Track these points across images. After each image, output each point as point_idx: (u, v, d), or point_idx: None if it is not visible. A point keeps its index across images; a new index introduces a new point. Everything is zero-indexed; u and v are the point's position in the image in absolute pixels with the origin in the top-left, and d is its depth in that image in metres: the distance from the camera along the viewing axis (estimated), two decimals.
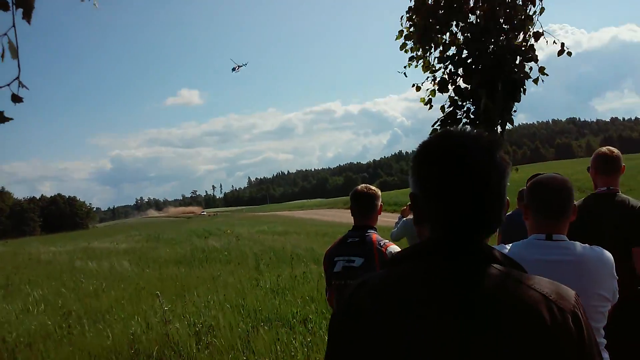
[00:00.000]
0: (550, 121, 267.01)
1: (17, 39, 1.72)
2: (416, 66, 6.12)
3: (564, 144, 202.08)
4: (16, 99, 1.81)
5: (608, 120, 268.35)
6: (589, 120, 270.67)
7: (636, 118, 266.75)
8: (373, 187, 3.50)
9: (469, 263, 1.11)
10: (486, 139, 1.15)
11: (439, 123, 5.73)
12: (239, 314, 8.11)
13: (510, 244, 2.23)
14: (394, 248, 3.29)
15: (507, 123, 5.43)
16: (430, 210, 1.17)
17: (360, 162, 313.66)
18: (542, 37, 5.30)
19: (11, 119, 1.85)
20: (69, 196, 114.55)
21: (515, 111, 5.46)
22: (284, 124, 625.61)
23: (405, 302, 1.09)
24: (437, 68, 5.83)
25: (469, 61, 5.34)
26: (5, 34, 1.71)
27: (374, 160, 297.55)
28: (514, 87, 5.11)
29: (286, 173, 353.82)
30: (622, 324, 2.47)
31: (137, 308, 9.29)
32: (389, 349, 1.07)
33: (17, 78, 1.76)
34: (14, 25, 1.72)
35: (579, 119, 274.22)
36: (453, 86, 5.64)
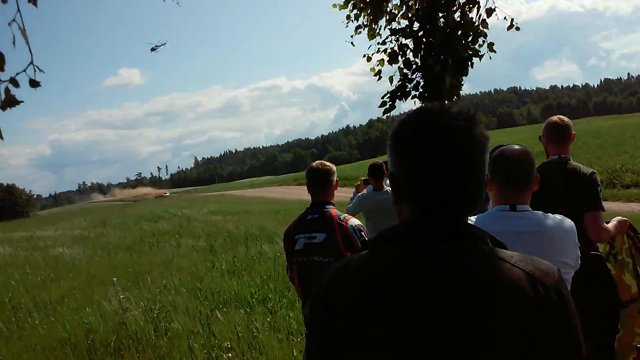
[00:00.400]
0: (493, 91, 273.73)
1: (23, 24, 1.68)
2: (360, 32, 6.12)
3: (505, 113, 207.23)
4: (34, 83, 1.76)
5: (547, 88, 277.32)
6: (529, 89, 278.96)
7: (574, 85, 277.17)
8: (328, 163, 3.51)
9: (453, 245, 1.09)
10: (465, 115, 1.12)
11: (388, 95, 5.75)
12: (196, 297, 8.03)
13: (475, 216, 2.25)
14: (354, 221, 3.32)
15: (455, 97, 5.51)
16: (411, 190, 1.14)
17: (308, 138, 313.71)
18: (494, 12, 5.37)
19: (22, 101, 1.79)
20: (7, 184, 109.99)
21: (462, 84, 5.55)
22: (230, 102, 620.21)
23: (390, 287, 1.07)
24: (384, 38, 5.84)
25: (420, 34, 5.36)
26: (14, 20, 1.66)
27: (322, 136, 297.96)
28: (463, 63, 5.17)
29: (234, 152, 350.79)
30: (577, 288, 2.55)
31: (89, 298, 9.07)
32: (375, 335, 1.05)
33: (32, 62, 1.72)
34: (19, 10, 1.68)
35: (520, 88, 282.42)
36: (403, 58, 5.66)
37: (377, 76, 5.85)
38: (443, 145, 1.09)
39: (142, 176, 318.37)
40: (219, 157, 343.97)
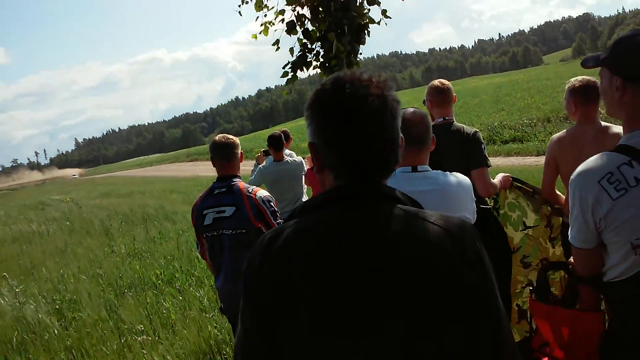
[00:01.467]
0: (376, 56, 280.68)
1: None
2: (247, 3, 6.07)
3: (389, 77, 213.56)
4: None
5: (426, 51, 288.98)
6: (410, 53, 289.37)
7: (451, 47, 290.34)
8: (231, 136, 3.52)
9: (374, 206, 1.16)
10: (377, 82, 1.18)
11: (290, 66, 5.80)
12: (98, 284, 7.80)
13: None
14: (263, 193, 3.40)
15: (354, 65, 5.64)
16: (331, 158, 1.19)
17: (197, 112, 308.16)
18: None
19: None
20: None
21: (361, 53, 5.69)
22: (107, 78, 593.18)
23: (318, 251, 1.13)
24: (280, 9, 5.85)
25: (316, 4, 5.42)
26: None
27: (211, 109, 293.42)
28: (359, 30, 5.31)
29: (117, 130, 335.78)
30: None
31: None
32: (303, 298, 1.11)
33: None
34: None
35: (401, 52, 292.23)
36: (302, 29, 5.70)
37: (276, 46, 5.86)
38: (358, 113, 1.14)
39: (19, 162, 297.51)
40: (101, 137, 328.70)
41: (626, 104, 1.80)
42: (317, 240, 1.15)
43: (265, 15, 5.91)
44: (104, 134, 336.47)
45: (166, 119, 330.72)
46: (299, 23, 5.66)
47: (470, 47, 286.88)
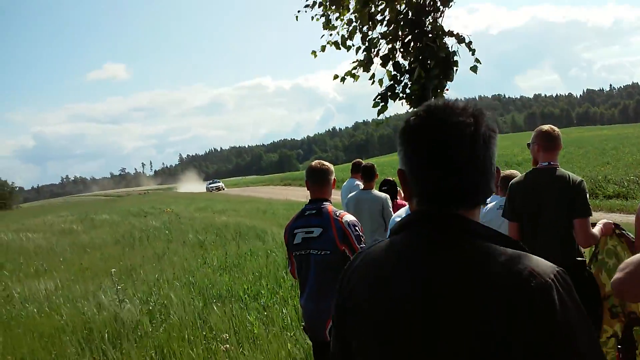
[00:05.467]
0: (477, 97, 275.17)
1: None
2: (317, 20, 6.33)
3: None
4: None
5: (531, 97, 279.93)
6: (513, 97, 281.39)
7: (557, 95, 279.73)
8: (326, 163, 3.74)
9: (438, 236, 1.11)
10: (470, 109, 1.12)
11: (379, 97, 5.97)
12: (189, 291, 8.22)
13: None
14: (350, 217, 3.54)
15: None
16: (415, 186, 1.16)
17: (294, 139, 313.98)
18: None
19: None
20: None
21: (447, 90, 5.78)
22: (214, 100, 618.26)
23: (377, 271, 1.18)
24: (353, 45, 6.05)
25: (407, 39, 5.60)
26: None
27: (308, 137, 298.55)
28: (446, 67, 5.42)
29: (219, 150, 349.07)
30: None
31: (84, 289, 9.22)
32: (360, 315, 1.18)
33: None
34: None
35: (504, 95, 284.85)
36: (392, 61, 5.87)
37: (372, 80, 6.06)
38: (444, 141, 1.09)
39: (126, 172, 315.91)
40: (204, 155, 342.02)
41: None
42: (373, 263, 1.21)
43: (355, 62, 6.13)
44: (207, 152, 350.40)
45: (265, 143, 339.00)
46: (390, 56, 5.84)
47: (578, 97, 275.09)
